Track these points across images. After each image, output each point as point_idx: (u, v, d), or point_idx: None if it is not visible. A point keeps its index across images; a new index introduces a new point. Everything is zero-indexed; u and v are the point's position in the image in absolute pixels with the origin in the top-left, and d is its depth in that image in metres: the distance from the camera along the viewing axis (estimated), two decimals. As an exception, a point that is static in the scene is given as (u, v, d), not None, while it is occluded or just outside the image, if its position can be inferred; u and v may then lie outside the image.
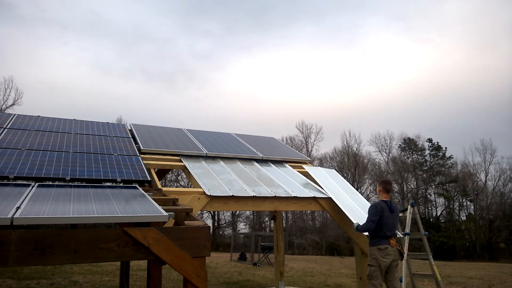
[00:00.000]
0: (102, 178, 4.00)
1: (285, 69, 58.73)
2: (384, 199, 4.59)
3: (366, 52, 56.07)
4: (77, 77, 48.32)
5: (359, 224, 4.57)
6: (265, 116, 54.49)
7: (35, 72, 45.84)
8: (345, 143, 40.36)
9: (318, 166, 31.17)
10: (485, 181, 35.90)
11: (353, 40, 57.46)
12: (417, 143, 39.55)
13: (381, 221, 4.37)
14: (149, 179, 4.23)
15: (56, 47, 49.57)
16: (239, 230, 34.47)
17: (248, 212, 32.88)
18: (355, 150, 39.65)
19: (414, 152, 39.32)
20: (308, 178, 5.84)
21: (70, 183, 3.75)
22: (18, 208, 2.50)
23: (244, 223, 36.92)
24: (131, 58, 55.56)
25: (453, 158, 38.46)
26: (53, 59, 48.60)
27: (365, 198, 6.26)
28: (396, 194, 37.01)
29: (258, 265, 12.74)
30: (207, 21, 58.45)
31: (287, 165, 6.37)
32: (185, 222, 2.97)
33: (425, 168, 38.34)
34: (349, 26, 56.64)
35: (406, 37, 56.44)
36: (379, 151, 40.76)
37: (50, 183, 3.71)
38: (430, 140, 39.29)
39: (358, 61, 56.67)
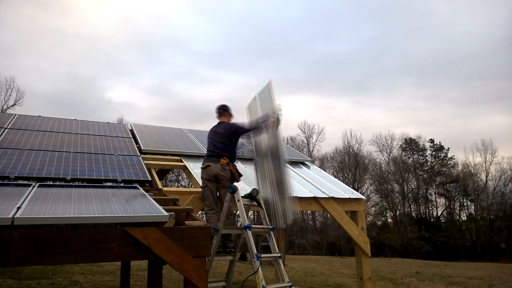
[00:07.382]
0: (103, 178, 4.00)
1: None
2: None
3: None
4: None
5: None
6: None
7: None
8: (346, 143, 40.40)
9: (319, 166, 31.20)
10: (486, 181, 35.93)
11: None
12: (418, 143, 39.55)
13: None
14: (150, 179, 4.23)
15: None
16: (239, 230, 34.33)
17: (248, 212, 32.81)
18: (356, 150, 39.66)
19: (415, 152, 39.30)
20: None
21: (71, 183, 3.75)
22: (19, 208, 2.50)
23: (245, 223, 36.81)
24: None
25: (454, 158, 38.51)
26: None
27: (365, 197, 6.21)
28: (397, 194, 37.00)
29: (259, 265, 12.72)
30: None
31: (287, 165, 6.36)
32: (186, 222, 2.98)
33: (425, 168, 38.32)
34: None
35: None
36: (380, 151, 40.78)
37: (51, 183, 3.71)
38: (432, 141, 39.30)
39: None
